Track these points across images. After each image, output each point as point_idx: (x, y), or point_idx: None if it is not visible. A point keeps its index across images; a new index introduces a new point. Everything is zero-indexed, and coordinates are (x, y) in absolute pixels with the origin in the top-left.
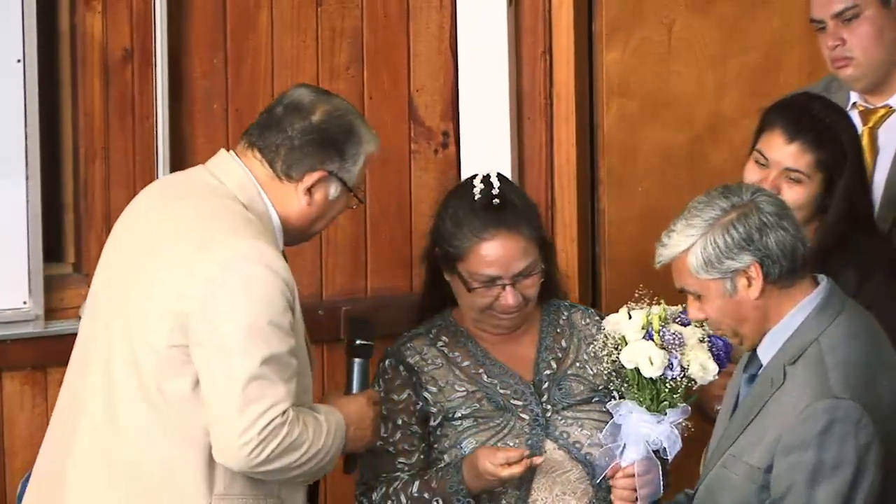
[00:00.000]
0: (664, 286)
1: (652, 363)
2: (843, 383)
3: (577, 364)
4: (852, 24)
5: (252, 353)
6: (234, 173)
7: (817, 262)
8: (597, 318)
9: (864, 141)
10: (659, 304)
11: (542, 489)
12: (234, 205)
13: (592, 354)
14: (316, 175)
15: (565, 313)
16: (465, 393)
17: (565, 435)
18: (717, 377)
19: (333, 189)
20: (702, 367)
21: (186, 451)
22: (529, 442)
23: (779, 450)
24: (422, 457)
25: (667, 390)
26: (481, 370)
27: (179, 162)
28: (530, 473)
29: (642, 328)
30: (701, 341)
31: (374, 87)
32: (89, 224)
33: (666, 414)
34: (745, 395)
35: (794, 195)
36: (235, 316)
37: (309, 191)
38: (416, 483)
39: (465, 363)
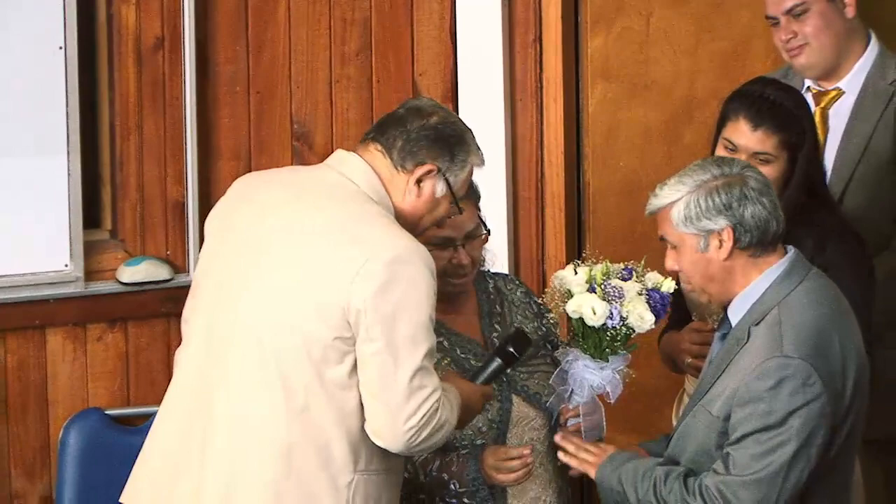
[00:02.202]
0: (642, 249)
1: (595, 313)
2: (794, 344)
3: (515, 325)
4: (802, 18)
5: (418, 347)
6: (362, 172)
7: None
8: (517, 282)
9: (817, 120)
10: (599, 262)
11: (514, 438)
12: (374, 206)
13: (522, 316)
14: (426, 167)
15: (490, 281)
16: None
17: (526, 388)
18: (654, 326)
19: (440, 187)
20: (640, 316)
21: (336, 431)
22: (500, 398)
23: (735, 402)
24: None
25: (608, 339)
26: (441, 339)
27: (206, 139)
28: (504, 426)
29: (586, 282)
30: (639, 294)
31: (382, 71)
32: (124, 194)
33: (608, 361)
34: (717, 352)
35: (765, 174)
36: (405, 314)
37: (418, 183)
38: (437, 462)
39: None
